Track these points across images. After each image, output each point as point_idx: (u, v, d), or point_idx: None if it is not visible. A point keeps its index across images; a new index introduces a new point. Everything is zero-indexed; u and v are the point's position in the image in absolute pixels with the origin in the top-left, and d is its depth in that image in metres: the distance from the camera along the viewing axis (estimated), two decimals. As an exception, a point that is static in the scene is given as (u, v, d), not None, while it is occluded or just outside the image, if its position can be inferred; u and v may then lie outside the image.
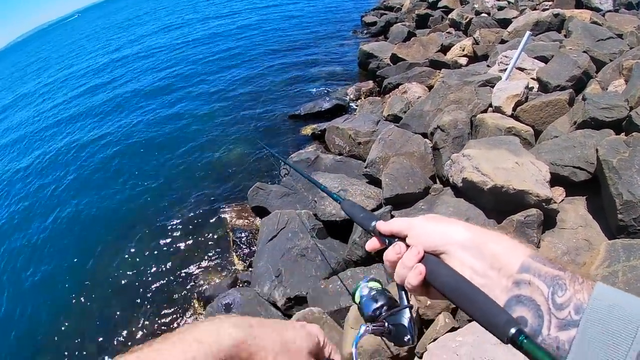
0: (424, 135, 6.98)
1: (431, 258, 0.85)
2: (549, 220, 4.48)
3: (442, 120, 6.40)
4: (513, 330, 0.65)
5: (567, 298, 0.65)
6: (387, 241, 0.96)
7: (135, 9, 62.16)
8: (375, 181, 6.45)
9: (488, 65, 8.85)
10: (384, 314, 0.98)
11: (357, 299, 1.08)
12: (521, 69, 7.56)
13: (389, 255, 0.92)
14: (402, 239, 0.92)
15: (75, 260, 8.55)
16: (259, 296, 5.62)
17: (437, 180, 6.29)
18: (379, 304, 1.00)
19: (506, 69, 7.47)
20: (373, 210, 5.77)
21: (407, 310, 0.94)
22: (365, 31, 18.52)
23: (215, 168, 10.17)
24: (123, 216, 9.44)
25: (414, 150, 6.45)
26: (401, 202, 5.68)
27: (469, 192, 4.98)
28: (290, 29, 21.73)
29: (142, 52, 26.86)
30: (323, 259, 5.60)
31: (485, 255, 0.78)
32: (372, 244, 1.00)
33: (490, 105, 6.78)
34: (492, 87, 7.08)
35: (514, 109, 6.33)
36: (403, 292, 0.94)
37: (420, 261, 0.85)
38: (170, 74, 19.20)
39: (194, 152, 11.26)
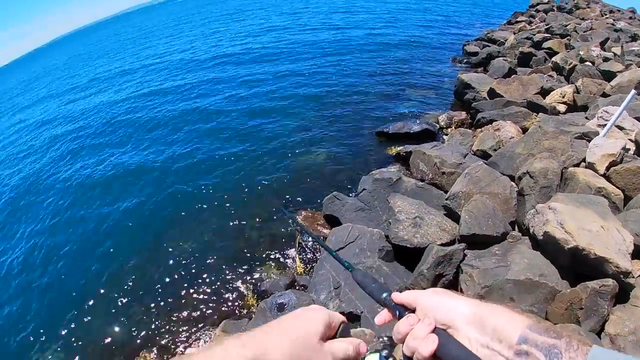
0: (511, 178, 6.74)
1: (441, 331, 0.89)
2: (622, 294, 4.23)
3: (533, 166, 6.16)
4: None
5: None
6: (398, 313, 1.00)
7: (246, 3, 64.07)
8: (453, 215, 6.28)
9: (587, 118, 8.44)
10: None
11: None
12: (620, 128, 7.16)
13: (401, 326, 0.95)
14: (412, 311, 0.98)
15: (145, 234, 9.09)
16: (314, 303, 5.59)
17: (517, 227, 6.04)
18: None
19: (605, 125, 7.08)
20: (446, 244, 5.64)
21: None
22: (465, 60, 18.23)
23: (297, 169, 10.33)
24: (200, 198, 9.87)
25: (499, 191, 6.25)
26: (476, 243, 5.51)
27: (547, 246, 4.77)
28: (392, 47, 21.68)
29: (242, 47, 27.79)
30: (385, 283, 5.51)
31: (487, 328, 0.84)
32: (384, 315, 1.04)
33: (584, 160, 6.46)
34: (589, 141, 6.75)
35: (607, 169, 5.99)
36: None
37: (431, 333, 0.89)
38: (269, 74, 19.70)
39: (279, 149, 11.56)
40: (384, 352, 1.11)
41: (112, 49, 51.52)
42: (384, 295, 1.06)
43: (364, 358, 1.07)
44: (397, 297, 1.02)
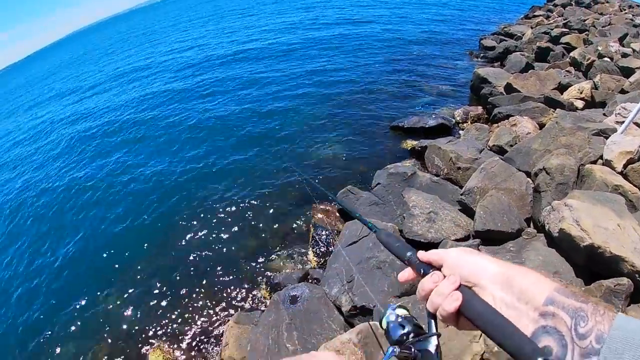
0: (527, 174, 6.68)
1: (465, 289, 0.89)
2: (637, 293, 4.19)
3: (550, 162, 6.10)
4: (540, 359, 0.70)
5: (589, 328, 0.69)
6: (422, 271, 1.00)
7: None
8: (468, 210, 6.26)
9: (604, 114, 8.32)
10: (411, 339, 1.03)
11: (384, 325, 1.13)
12: (639, 125, 7.06)
13: (425, 283, 0.96)
14: (438, 269, 0.98)
15: (161, 227, 9.21)
16: (326, 296, 5.62)
17: (532, 224, 6.00)
18: (407, 329, 1.07)
19: (623, 121, 6.97)
20: (460, 240, 5.62)
21: (435, 337, 0.97)
22: (482, 54, 18.06)
23: (312, 163, 10.35)
24: (215, 192, 9.96)
25: (515, 187, 6.21)
26: (491, 239, 5.50)
27: (563, 244, 4.74)
28: (408, 42, 21.54)
29: (257, 43, 27.85)
30: (399, 275, 5.50)
31: (514, 288, 0.83)
32: (408, 273, 1.05)
33: (601, 157, 6.38)
34: (606, 138, 6.66)
35: (625, 167, 5.92)
36: (432, 321, 0.96)
37: (456, 290, 0.89)
38: (283, 70, 19.68)
39: (294, 144, 11.58)
40: (393, 306, 1.13)
41: (117, 47, 51.78)
42: (409, 253, 1.07)
43: (383, 315, 1.10)
44: (423, 255, 1.03)
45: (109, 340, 6.63)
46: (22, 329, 7.59)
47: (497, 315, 0.81)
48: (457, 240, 5.64)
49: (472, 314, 0.85)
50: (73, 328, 7.11)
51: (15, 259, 9.78)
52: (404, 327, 1.08)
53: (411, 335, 1.05)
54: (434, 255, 1.00)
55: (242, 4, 60.88)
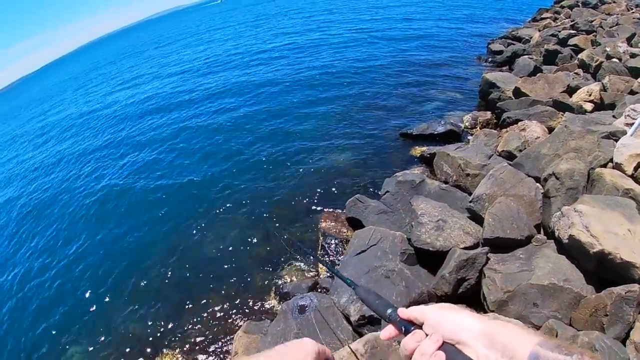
0: (537, 179, 6.61)
1: (449, 347, 0.89)
2: (648, 301, 4.10)
3: (559, 167, 6.04)
4: None
5: None
6: (404, 328, 1.00)
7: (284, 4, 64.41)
8: (477, 218, 6.21)
9: (614, 116, 8.21)
10: None
11: None
12: (649, 127, 6.98)
13: (408, 343, 0.96)
14: (419, 326, 0.98)
15: (170, 235, 9.31)
16: (335, 306, 5.60)
17: (542, 230, 5.93)
18: None
19: (633, 123, 6.89)
20: (469, 248, 5.58)
21: None
22: (490, 59, 17.94)
23: (320, 171, 10.36)
24: (224, 200, 10.04)
25: (524, 193, 6.15)
26: (500, 246, 5.44)
27: (573, 250, 4.69)
28: (414, 47, 21.56)
29: (272, 48, 28.02)
30: (407, 286, 5.48)
31: (496, 344, 0.83)
32: (389, 331, 1.05)
33: (611, 161, 6.28)
34: (616, 141, 6.56)
35: (635, 169, 5.81)
36: None
37: (439, 349, 0.89)
38: (289, 77, 19.83)
39: (302, 151, 11.64)
40: None
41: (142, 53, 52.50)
42: (389, 311, 1.06)
43: None
44: (404, 312, 1.02)
45: (118, 347, 6.70)
46: (33, 332, 7.71)
47: None
48: (465, 248, 5.60)
49: None
50: (82, 333, 7.21)
51: (27, 261, 10.05)
52: None
53: None
54: (415, 312, 1.00)
55: (246, 14, 61.44)
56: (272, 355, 0.95)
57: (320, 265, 7.13)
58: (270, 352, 0.96)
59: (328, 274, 6.87)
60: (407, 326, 0.99)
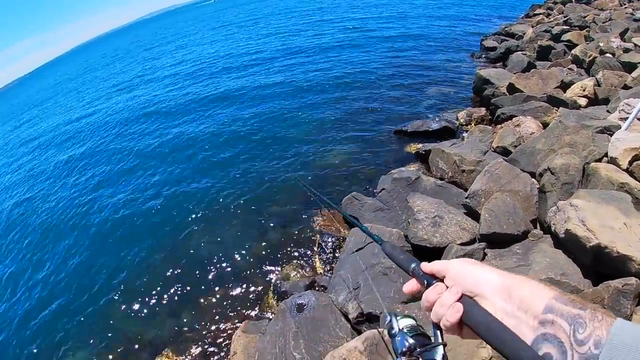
0: (532, 174, 6.63)
1: (467, 299, 0.92)
2: (646, 293, 4.12)
3: (554, 162, 6.05)
4: None
5: (587, 334, 0.71)
6: (426, 282, 1.03)
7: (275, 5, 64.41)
8: (473, 214, 6.23)
9: (608, 111, 8.23)
10: (418, 349, 1.05)
11: (390, 335, 1.15)
12: (643, 120, 6.99)
13: (429, 294, 0.99)
14: (441, 280, 1.01)
15: (167, 235, 9.31)
16: (333, 304, 5.60)
17: (538, 225, 5.94)
18: (413, 339, 1.08)
19: (627, 117, 6.90)
20: (466, 244, 5.59)
21: (441, 347, 0.99)
22: (483, 55, 18.04)
23: (316, 169, 10.38)
24: (220, 200, 10.05)
25: (520, 189, 6.16)
26: (496, 241, 5.46)
27: (569, 244, 4.70)
28: (408, 45, 21.59)
29: (262, 50, 28.04)
30: (404, 283, 5.48)
31: (514, 298, 0.85)
32: (412, 284, 1.08)
33: (606, 155, 6.28)
34: (611, 135, 6.59)
35: (630, 163, 5.80)
36: (438, 331, 0.99)
37: (458, 301, 0.92)
38: (284, 77, 19.88)
39: (298, 150, 11.65)
40: (398, 314, 1.14)
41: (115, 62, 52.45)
42: (413, 265, 1.10)
43: (388, 324, 1.11)
44: (426, 266, 1.06)
45: (116, 348, 6.70)
46: (30, 332, 7.75)
47: (497, 324, 0.84)
48: (462, 244, 5.61)
49: (473, 323, 0.88)
50: (80, 335, 7.21)
51: (24, 264, 10.10)
52: (410, 338, 1.09)
53: (418, 345, 1.06)
54: (437, 266, 1.03)
55: (239, 14, 61.41)
56: None
57: (318, 263, 7.13)
58: None
59: (325, 273, 6.88)
60: (429, 279, 1.02)
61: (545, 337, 0.78)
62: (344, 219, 7.74)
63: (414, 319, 1.18)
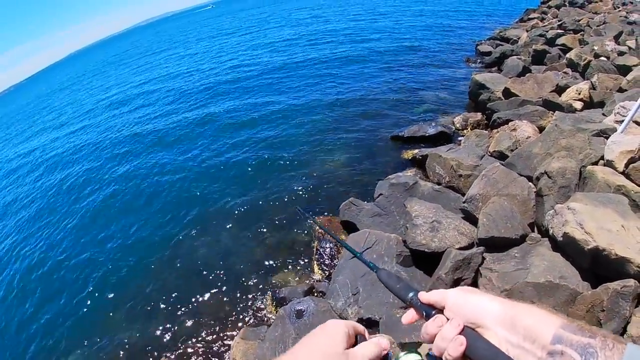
0: (529, 178, 6.64)
1: (469, 331, 0.89)
2: (645, 296, 4.14)
3: (551, 166, 6.08)
4: None
5: None
6: (424, 313, 0.99)
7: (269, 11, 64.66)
8: (471, 218, 6.24)
9: (604, 114, 8.25)
10: None
11: None
12: (638, 123, 7.01)
13: (429, 327, 0.95)
14: (440, 311, 0.97)
15: (165, 241, 9.27)
16: (332, 310, 5.61)
17: (536, 229, 5.96)
18: None
19: (622, 120, 6.93)
20: (464, 248, 5.60)
21: None
22: (478, 60, 18.09)
23: (313, 176, 10.37)
24: (218, 206, 10.07)
25: (517, 193, 6.18)
26: (495, 245, 5.46)
27: (567, 248, 4.72)
28: (403, 51, 21.67)
29: (259, 51, 28.11)
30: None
31: (518, 328, 0.82)
32: (411, 315, 1.04)
33: (602, 158, 6.31)
34: (607, 138, 6.61)
35: (626, 166, 5.83)
36: None
37: (460, 334, 0.89)
38: (283, 82, 19.94)
39: (294, 157, 11.66)
40: (404, 351, 1.12)
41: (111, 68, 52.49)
42: (411, 295, 1.05)
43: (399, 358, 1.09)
44: (424, 296, 1.01)
45: (113, 355, 6.65)
46: (26, 335, 7.77)
47: (503, 357, 0.81)
48: (461, 248, 5.62)
49: (478, 356, 0.85)
50: (76, 342, 7.17)
51: (20, 269, 10.09)
52: None
53: None
54: (435, 296, 0.99)
55: (237, 21, 61.60)
56: (297, 352, 0.93)
57: (316, 269, 7.13)
58: (296, 349, 0.94)
59: (324, 279, 6.88)
60: (428, 310, 0.99)
61: None
62: (342, 224, 7.74)
63: (418, 354, 1.16)
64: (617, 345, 0.69)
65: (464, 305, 0.93)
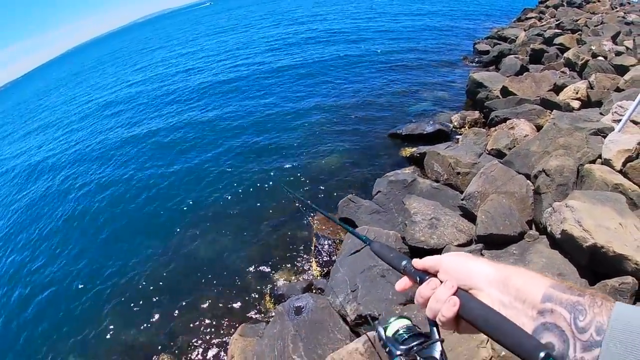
0: (527, 176, 6.67)
1: (463, 293, 0.90)
2: (642, 292, 4.17)
3: (549, 164, 6.09)
4: (542, 355, 0.71)
5: (588, 321, 0.71)
6: (418, 278, 1.00)
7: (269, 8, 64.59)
8: (469, 215, 6.26)
9: (601, 113, 8.29)
10: (415, 348, 1.02)
11: (387, 335, 1.13)
12: (635, 123, 7.01)
13: (423, 290, 0.96)
14: (434, 275, 0.98)
15: (163, 238, 9.26)
16: (331, 306, 5.60)
17: (534, 226, 5.98)
18: (411, 338, 1.07)
19: (620, 120, 6.95)
20: (463, 245, 5.62)
21: (439, 343, 0.98)
22: (476, 59, 18.12)
23: (312, 173, 10.38)
24: (216, 203, 10.09)
25: (515, 190, 6.20)
26: (493, 243, 5.49)
27: (565, 245, 4.73)
28: (401, 48, 21.74)
29: (253, 50, 28.12)
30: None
31: (510, 288, 0.84)
32: (404, 282, 1.05)
33: (600, 157, 6.35)
34: (604, 137, 6.65)
35: (624, 165, 5.87)
36: (434, 327, 0.98)
37: (453, 295, 0.90)
38: (281, 80, 19.96)
39: (294, 154, 11.66)
40: (394, 317, 1.13)
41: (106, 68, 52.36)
42: (404, 262, 1.07)
43: (386, 327, 1.10)
44: (418, 262, 1.03)
45: (113, 353, 6.65)
46: (24, 336, 7.72)
47: (496, 315, 0.82)
48: (459, 245, 5.64)
49: (471, 316, 0.86)
50: (74, 340, 7.15)
51: (18, 268, 10.03)
52: (408, 336, 1.08)
53: (416, 342, 1.04)
54: (429, 261, 1.00)
55: (236, 18, 61.50)
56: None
57: (315, 266, 7.13)
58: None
59: (322, 275, 6.88)
60: (422, 276, 1.00)
61: (545, 326, 0.77)
62: (340, 220, 7.73)
63: (409, 319, 1.16)
64: (606, 303, 0.71)
65: (458, 268, 0.94)
